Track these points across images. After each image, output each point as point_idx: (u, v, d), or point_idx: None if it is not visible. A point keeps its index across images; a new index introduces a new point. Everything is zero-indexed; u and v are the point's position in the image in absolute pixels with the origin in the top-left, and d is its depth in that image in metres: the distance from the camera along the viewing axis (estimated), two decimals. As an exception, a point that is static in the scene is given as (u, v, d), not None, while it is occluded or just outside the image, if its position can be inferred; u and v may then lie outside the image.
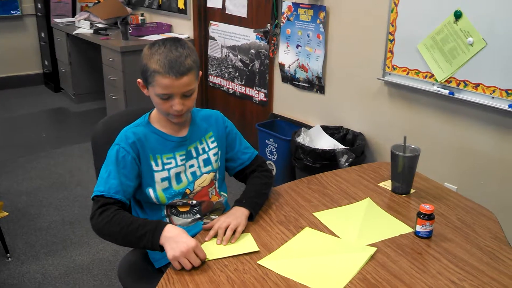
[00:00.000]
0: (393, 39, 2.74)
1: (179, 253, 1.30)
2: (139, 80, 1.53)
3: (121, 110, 1.66)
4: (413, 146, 1.77)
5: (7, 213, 2.77)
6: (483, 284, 1.28)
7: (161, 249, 1.36)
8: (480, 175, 2.52)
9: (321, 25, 3.19)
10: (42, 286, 2.43)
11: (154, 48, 1.46)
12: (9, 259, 2.62)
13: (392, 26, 2.72)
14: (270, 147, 3.39)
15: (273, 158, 3.39)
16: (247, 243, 1.44)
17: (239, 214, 1.51)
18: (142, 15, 5.09)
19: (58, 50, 5.54)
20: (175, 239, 1.34)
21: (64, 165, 3.85)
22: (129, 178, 1.50)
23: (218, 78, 4.40)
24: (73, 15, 5.48)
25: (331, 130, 3.19)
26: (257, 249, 1.41)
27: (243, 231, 1.48)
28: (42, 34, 5.77)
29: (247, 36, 3.95)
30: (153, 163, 1.54)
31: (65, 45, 5.25)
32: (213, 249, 1.40)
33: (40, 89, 5.99)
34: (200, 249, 1.34)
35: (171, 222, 1.59)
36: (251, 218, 1.54)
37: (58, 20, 5.36)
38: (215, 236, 1.45)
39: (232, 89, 4.27)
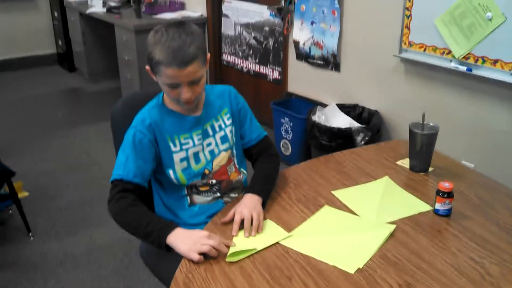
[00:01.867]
0: (410, 15, 2.70)
1: (190, 243, 1.29)
2: (147, 67, 1.51)
3: (138, 90, 1.66)
4: (431, 124, 1.76)
5: (27, 193, 2.83)
6: (503, 261, 1.28)
7: (167, 248, 1.34)
8: (498, 152, 2.51)
9: (336, 1, 3.15)
10: (64, 264, 2.49)
11: (157, 36, 1.42)
12: (32, 238, 2.68)
13: (409, 1, 2.68)
14: (285, 125, 3.39)
15: (289, 136, 3.39)
16: (276, 231, 1.41)
17: (255, 203, 1.49)
18: (154, -7, 5.06)
19: (71, 30, 5.55)
20: (184, 235, 1.33)
21: (81, 145, 3.89)
22: (147, 161, 1.51)
23: (232, 57, 4.39)
24: (86, -6, 5.47)
25: (346, 108, 3.18)
26: (288, 234, 1.39)
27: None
28: (55, 14, 5.77)
29: (261, 13, 3.92)
30: (171, 144, 1.55)
31: (78, 25, 5.25)
32: (244, 243, 1.35)
33: (54, 69, 6.02)
34: (213, 235, 1.32)
35: (191, 200, 1.61)
36: (263, 205, 1.51)
37: (70, 0, 5.35)
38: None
39: (246, 67, 4.26)
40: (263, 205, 1.52)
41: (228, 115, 1.67)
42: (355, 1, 3.07)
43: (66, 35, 5.67)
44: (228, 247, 1.32)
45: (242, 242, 1.36)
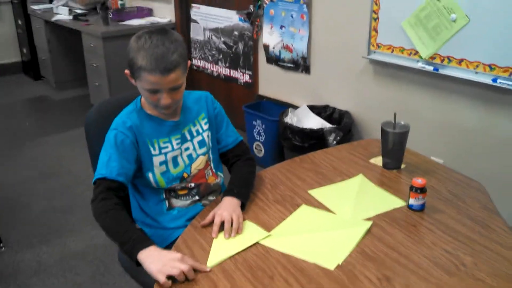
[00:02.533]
0: (377, 18, 2.77)
1: (161, 264, 1.23)
2: (126, 71, 1.51)
3: (109, 96, 1.65)
4: (402, 123, 1.81)
5: (-2, 204, 2.77)
6: (476, 252, 1.33)
7: (137, 264, 1.29)
8: (465, 148, 2.59)
9: (304, 5, 3.20)
10: (38, 273, 2.44)
11: (140, 41, 1.43)
12: (3, 249, 2.62)
13: (376, 4, 2.75)
14: (257, 128, 3.42)
15: (261, 139, 3.42)
16: (255, 231, 1.43)
17: (235, 205, 1.49)
18: (121, -1, 5.03)
19: (36, 38, 5.44)
20: (156, 255, 1.27)
21: (51, 154, 3.82)
22: (129, 161, 1.51)
23: (201, 61, 4.39)
24: (51, 1, 5.39)
25: (317, 110, 3.22)
26: (268, 234, 1.41)
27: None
28: (19, 22, 5.65)
29: (230, 18, 3.94)
30: (151, 148, 1.55)
31: (43, 32, 5.16)
32: (225, 245, 1.36)
33: (19, 78, 5.89)
34: (187, 258, 1.27)
35: (170, 204, 1.61)
36: (242, 208, 1.52)
37: (35, 7, 5.26)
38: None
39: (216, 71, 4.27)
40: (243, 207, 1.53)
41: (205, 120, 1.68)
42: (323, 5, 3.12)
43: (31, 43, 5.56)
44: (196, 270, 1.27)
45: (222, 245, 1.37)
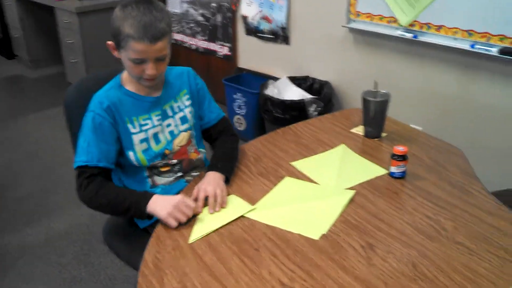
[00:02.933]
0: (355, -15, 2.74)
1: (171, 208, 1.34)
2: (109, 42, 1.48)
3: (87, 74, 1.62)
4: (383, 91, 1.81)
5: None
6: (456, 216, 1.36)
7: (149, 217, 1.39)
8: (444, 114, 2.61)
9: (282, -25, 3.15)
10: (23, 256, 2.43)
11: (127, 10, 1.40)
12: (-13, 232, 2.60)
13: (354, -28, 2.72)
14: (238, 101, 3.40)
15: (242, 112, 3.40)
16: (240, 204, 1.44)
17: (218, 179, 1.50)
18: (94, -28, 4.88)
19: (8, 15, 5.29)
20: (162, 200, 1.38)
21: (31, 134, 3.76)
22: (109, 143, 1.49)
23: (179, 35, 4.32)
24: (20, -24, 5.21)
25: (298, 81, 3.21)
26: (252, 207, 1.42)
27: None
28: (-11, -1, 5.48)
29: (207, -11, 3.86)
30: (130, 126, 1.53)
31: (15, 9, 5.01)
32: (209, 220, 1.37)
33: (-8, 57, 5.75)
34: (188, 200, 1.38)
35: (153, 182, 1.60)
36: (226, 182, 1.54)
37: (4, -17, 5.10)
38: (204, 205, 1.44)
39: (194, 44, 4.21)
40: (227, 181, 1.54)
41: (187, 96, 1.66)
42: (300, -27, 3.08)
43: (2, 20, 5.41)
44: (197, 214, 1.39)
45: (206, 220, 1.37)
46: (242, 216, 1.38)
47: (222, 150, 1.66)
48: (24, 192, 2.98)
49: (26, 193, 2.98)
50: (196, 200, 1.44)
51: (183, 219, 1.34)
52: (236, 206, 1.43)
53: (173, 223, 1.33)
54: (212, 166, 1.57)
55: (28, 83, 4.98)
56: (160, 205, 1.36)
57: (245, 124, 3.43)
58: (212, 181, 1.48)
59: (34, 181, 3.11)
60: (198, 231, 1.32)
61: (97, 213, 1.51)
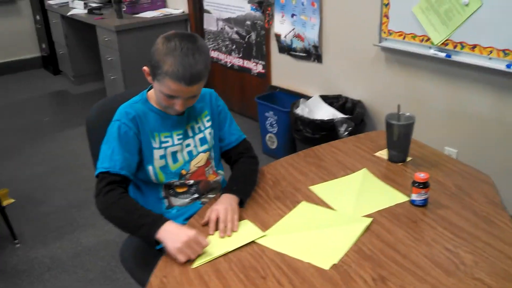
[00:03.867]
0: (388, 3, 2.69)
1: (180, 244, 1.28)
2: (145, 68, 1.50)
3: (116, 93, 1.65)
4: (407, 114, 1.75)
5: (13, 200, 2.81)
6: (477, 249, 1.28)
7: (157, 242, 1.36)
8: (479, 137, 2.51)
9: (314, -7, 3.14)
10: (51, 270, 2.47)
11: (169, 46, 1.40)
12: (18, 245, 2.67)
13: (386, -10, 2.67)
14: (270, 119, 3.38)
15: (274, 130, 3.39)
16: (250, 230, 1.41)
17: (231, 202, 1.48)
18: (135, -9, 5.02)
19: (54, 32, 5.50)
20: (174, 232, 1.33)
21: (67, 148, 3.87)
22: (132, 152, 1.51)
23: (215, 52, 4.37)
24: (66, -5, 5.42)
25: (330, 99, 3.17)
26: (263, 234, 1.39)
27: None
28: (37, 17, 5.72)
29: (242, 7, 3.89)
30: (152, 140, 1.54)
31: (60, 27, 5.20)
32: (217, 244, 1.35)
33: (39, 73, 5.98)
34: (201, 237, 1.33)
35: (169, 203, 1.60)
36: (241, 205, 1.51)
37: (52, 2, 5.30)
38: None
39: (230, 62, 4.24)
40: (242, 204, 1.52)
41: (208, 117, 1.67)
42: (333, -9, 3.05)
43: (49, 38, 5.63)
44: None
45: (214, 243, 1.35)
46: (252, 242, 1.36)
47: (240, 172, 1.65)
48: (54, 206, 3.05)
49: (56, 207, 3.04)
50: (207, 224, 1.42)
51: (192, 256, 1.29)
52: (247, 232, 1.40)
53: (182, 259, 1.28)
54: (227, 188, 1.56)
55: (70, 98, 5.14)
56: (171, 238, 1.31)
57: (277, 143, 3.41)
58: (224, 202, 1.47)
59: (65, 195, 3.17)
60: (204, 256, 1.30)
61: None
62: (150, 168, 1.55)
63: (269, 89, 3.74)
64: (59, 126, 4.33)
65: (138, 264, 1.62)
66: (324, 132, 2.86)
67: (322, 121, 2.86)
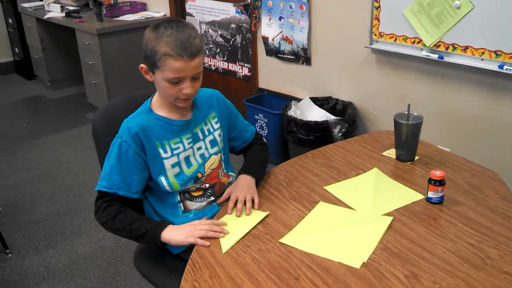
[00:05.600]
0: (379, 6, 2.73)
1: (186, 231, 1.38)
2: (142, 65, 1.48)
3: (121, 96, 1.63)
4: (415, 114, 1.78)
5: (0, 208, 2.73)
6: (500, 244, 1.32)
7: (162, 245, 1.42)
8: (472, 136, 2.57)
9: (303, -4, 3.16)
10: (47, 279, 2.41)
11: (160, 30, 1.40)
12: (9, 255, 2.58)
13: (378, -7, 2.71)
14: (260, 122, 3.39)
15: (264, 133, 3.39)
16: (254, 213, 1.49)
17: (250, 184, 1.58)
18: (114, -6, 4.95)
19: (28, 36, 5.36)
20: (176, 227, 1.43)
21: (50, 154, 3.77)
22: (132, 172, 1.49)
23: (198, 55, 4.33)
24: (41, -2, 5.30)
25: (320, 101, 3.19)
26: (266, 212, 1.48)
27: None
28: (10, 20, 5.57)
29: (226, 10, 3.88)
30: (161, 151, 1.52)
31: (36, 31, 5.08)
32: (234, 227, 1.43)
33: (12, 78, 5.81)
34: (203, 221, 1.44)
35: (185, 207, 1.58)
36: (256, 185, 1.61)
37: (25, 5, 5.18)
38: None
39: (214, 65, 4.22)
40: (256, 185, 1.61)
41: (216, 119, 1.66)
42: (322, -6, 3.08)
43: (23, 42, 5.48)
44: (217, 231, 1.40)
45: (231, 225, 1.44)
46: (279, 243, 1.36)
47: (254, 157, 1.74)
48: (43, 214, 2.98)
49: (45, 214, 2.97)
50: (224, 201, 1.55)
51: (210, 233, 1.37)
52: (252, 215, 1.49)
53: (194, 240, 1.35)
54: (244, 169, 1.64)
55: (48, 104, 5.02)
56: (176, 232, 1.40)
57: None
58: (244, 185, 1.56)
59: (53, 202, 3.10)
60: (229, 239, 1.38)
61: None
62: (162, 178, 1.53)
63: (256, 92, 3.74)
64: (39, 132, 4.22)
65: (153, 268, 1.59)
66: (318, 133, 2.88)
67: (316, 123, 2.88)
